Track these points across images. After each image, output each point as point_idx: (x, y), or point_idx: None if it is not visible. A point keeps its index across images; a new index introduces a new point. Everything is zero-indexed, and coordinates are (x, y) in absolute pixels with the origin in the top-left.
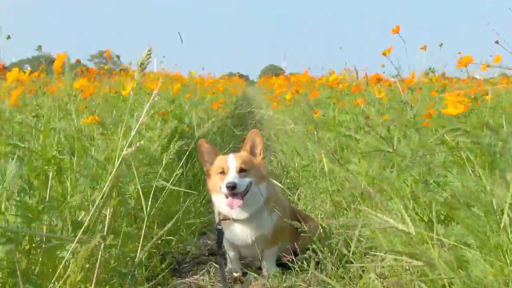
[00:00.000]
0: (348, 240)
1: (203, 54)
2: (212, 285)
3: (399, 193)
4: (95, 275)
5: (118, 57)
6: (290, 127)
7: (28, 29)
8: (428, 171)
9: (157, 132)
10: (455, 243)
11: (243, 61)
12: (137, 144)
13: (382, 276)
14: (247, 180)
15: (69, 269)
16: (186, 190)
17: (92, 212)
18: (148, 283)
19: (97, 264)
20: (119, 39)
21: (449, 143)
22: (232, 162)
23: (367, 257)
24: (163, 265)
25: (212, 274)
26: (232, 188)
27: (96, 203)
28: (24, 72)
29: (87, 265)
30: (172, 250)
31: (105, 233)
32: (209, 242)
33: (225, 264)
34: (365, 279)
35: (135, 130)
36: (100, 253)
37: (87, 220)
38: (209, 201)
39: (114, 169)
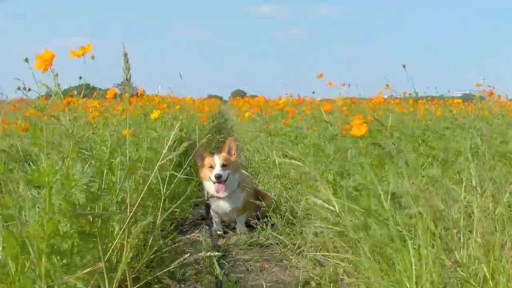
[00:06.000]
0: (295, 208)
1: (189, 79)
2: (204, 240)
3: (326, 179)
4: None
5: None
6: (253, 133)
7: (73, 65)
8: (344, 166)
9: (166, 139)
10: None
11: (219, 85)
12: (168, 157)
13: (315, 234)
14: (227, 172)
15: (133, 232)
16: (185, 177)
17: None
18: (163, 240)
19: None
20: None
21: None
22: (217, 160)
23: (305, 221)
24: (172, 227)
25: (203, 232)
26: (218, 178)
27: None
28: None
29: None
30: (177, 217)
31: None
32: (201, 211)
33: (212, 225)
34: (303, 235)
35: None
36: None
37: (127, 199)
38: (200, 184)
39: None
